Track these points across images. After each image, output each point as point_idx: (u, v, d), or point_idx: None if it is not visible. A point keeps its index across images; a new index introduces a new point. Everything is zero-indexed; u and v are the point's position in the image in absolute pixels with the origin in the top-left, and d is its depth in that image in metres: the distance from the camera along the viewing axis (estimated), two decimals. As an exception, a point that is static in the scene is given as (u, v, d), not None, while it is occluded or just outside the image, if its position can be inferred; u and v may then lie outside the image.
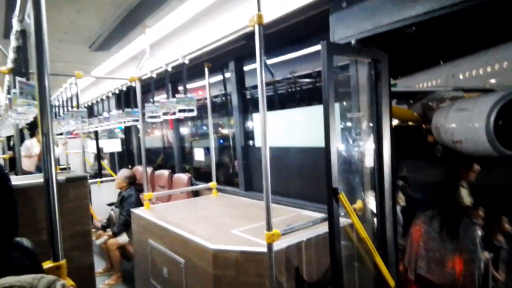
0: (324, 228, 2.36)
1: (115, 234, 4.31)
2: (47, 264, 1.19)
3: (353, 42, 2.23)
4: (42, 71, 1.31)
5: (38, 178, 1.28)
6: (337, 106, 2.55)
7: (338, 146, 2.27)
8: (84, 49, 4.31)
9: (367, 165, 2.49)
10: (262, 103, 1.94)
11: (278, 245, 2.12)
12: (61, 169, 8.33)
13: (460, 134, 8.33)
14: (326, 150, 2.03)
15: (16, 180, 2.74)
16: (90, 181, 5.76)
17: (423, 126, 13.37)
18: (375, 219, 2.53)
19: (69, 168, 7.88)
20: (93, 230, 4.89)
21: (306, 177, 3.23)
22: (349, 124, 2.53)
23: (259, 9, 1.91)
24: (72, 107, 4.49)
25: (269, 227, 2.00)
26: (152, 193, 3.65)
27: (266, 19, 1.98)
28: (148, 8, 3.04)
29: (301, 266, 2.28)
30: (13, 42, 2.06)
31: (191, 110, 3.09)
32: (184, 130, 5.67)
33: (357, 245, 2.44)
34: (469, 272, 2.35)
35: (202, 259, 2.36)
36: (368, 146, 2.46)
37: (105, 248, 4.44)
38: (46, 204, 1.21)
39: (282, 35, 2.88)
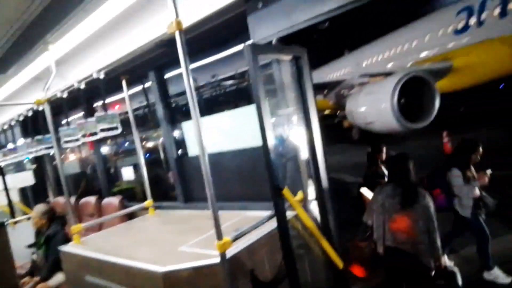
0: (271, 225, 2.39)
1: (44, 279, 3.79)
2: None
3: (274, 41, 2.29)
4: None
5: None
6: (266, 104, 2.60)
7: (273, 142, 2.31)
8: (-29, 73, 3.70)
9: (302, 157, 2.58)
10: (194, 110, 1.87)
11: (230, 252, 2.08)
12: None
13: (371, 116, 9.20)
14: (264, 149, 2.04)
15: None
16: None
17: (338, 113, 14.50)
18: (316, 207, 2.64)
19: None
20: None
21: (245, 177, 3.22)
22: (280, 120, 2.59)
23: (177, 15, 1.84)
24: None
25: (219, 236, 1.94)
26: (80, 225, 3.29)
27: (184, 24, 1.91)
28: (48, 22, 2.71)
29: (255, 267, 2.27)
30: None
31: (115, 128, 2.85)
32: (104, 150, 5.26)
33: (304, 234, 2.53)
34: (425, 239, 2.60)
35: (152, 285, 2.20)
36: (300, 138, 2.55)
37: (34, 296, 3.88)
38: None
39: (202, 39, 2.82)
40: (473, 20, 9.59)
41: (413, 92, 8.86)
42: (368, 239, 3.13)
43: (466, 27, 9.86)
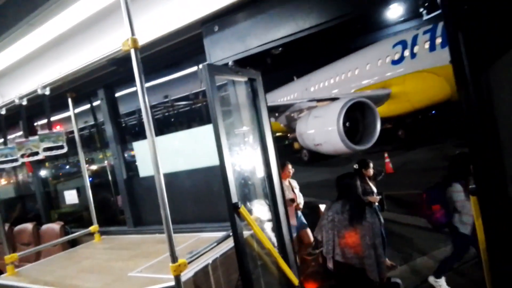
0: (227, 245, 2.37)
1: None
2: None
3: (230, 63, 2.36)
4: None
5: None
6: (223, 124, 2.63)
7: (231, 162, 2.33)
8: None
9: (258, 175, 2.63)
10: (149, 129, 1.84)
11: (185, 275, 2.02)
12: None
13: (319, 138, 9.65)
14: (221, 167, 2.05)
15: None
16: None
17: (289, 135, 15.00)
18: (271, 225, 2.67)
19: None
20: None
21: (199, 198, 3.18)
22: (235, 140, 2.63)
23: (133, 33, 1.83)
24: None
25: (174, 259, 1.88)
26: (15, 254, 2.98)
27: (139, 43, 1.91)
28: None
29: (211, 288, 2.23)
30: None
31: (61, 147, 2.67)
32: (44, 173, 4.88)
33: (260, 253, 2.53)
34: (372, 254, 2.72)
35: (99, 315, 2.06)
36: (256, 157, 2.60)
37: None
38: None
39: (157, 58, 2.81)
40: (407, 53, 10.66)
41: (357, 116, 9.51)
42: (315, 254, 3.22)
43: (401, 58, 10.92)
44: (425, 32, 9.87)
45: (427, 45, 9.87)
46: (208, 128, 2.31)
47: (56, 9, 2.24)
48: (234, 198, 2.07)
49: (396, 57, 11.07)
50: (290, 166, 4.42)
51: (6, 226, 4.28)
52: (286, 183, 4.25)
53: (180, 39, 2.53)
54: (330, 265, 2.92)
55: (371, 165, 4.10)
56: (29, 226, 4.12)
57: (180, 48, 2.66)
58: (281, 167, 4.18)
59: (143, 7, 2.37)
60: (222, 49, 2.36)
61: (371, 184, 4.06)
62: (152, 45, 2.53)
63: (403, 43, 10.75)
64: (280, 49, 2.26)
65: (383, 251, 2.90)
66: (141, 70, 1.83)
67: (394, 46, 11.14)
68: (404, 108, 11.36)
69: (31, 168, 4.29)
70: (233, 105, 2.62)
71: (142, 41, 2.40)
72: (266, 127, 2.52)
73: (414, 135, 13.37)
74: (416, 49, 10.31)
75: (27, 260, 3.76)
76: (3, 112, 2.80)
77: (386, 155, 9.69)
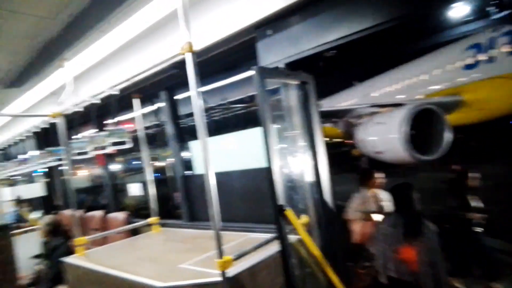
0: (274, 247, 2.38)
1: None
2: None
3: (281, 66, 2.38)
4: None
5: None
6: (273, 127, 2.65)
7: (279, 164, 2.34)
8: (-11, 85, 3.87)
9: (307, 180, 2.60)
10: (201, 129, 1.93)
11: (231, 272, 2.07)
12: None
13: (380, 145, 9.16)
14: (268, 170, 2.08)
15: None
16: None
17: (348, 141, 14.49)
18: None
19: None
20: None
21: (250, 199, 3.24)
22: (285, 143, 2.63)
23: (189, 38, 1.95)
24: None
25: (220, 255, 1.95)
26: (85, 238, 3.32)
27: (197, 47, 2.02)
28: (66, 40, 2.88)
29: (256, 289, 2.25)
30: None
31: (124, 143, 2.93)
32: (114, 168, 5.34)
33: (307, 259, 2.50)
34: (429, 271, 2.55)
35: (152, 300, 2.19)
36: (305, 162, 2.57)
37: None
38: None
39: (213, 62, 2.94)
40: (483, 57, 9.68)
41: (425, 124, 8.88)
42: (368, 267, 3.07)
43: (476, 63, 9.95)
44: (503, 34, 8.87)
45: (506, 49, 8.85)
46: (259, 130, 2.35)
47: (123, 16, 2.47)
48: (281, 201, 2.08)
49: (470, 61, 10.11)
50: (378, 174, 3.76)
51: (79, 213, 4.80)
52: (369, 194, 3.68)
53: (235, 44, 2.62)
54: (383, 279, 2.78)
55: (475, 175, 3.51)
56: (98, 213, 4.55)
57: (235, 52, 2.75)
58: (365, 174, 3.81)
59: (201, 13, 2.50)
60: (274, 52, 2.39)
61: (473, 198, 3.52)
62: (208, 49, 2.66)
63: (478, 47, 9.76)
64: (333, 52, 2.22)
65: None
66: (196, 73, 1.94)
67: (467, 49, 10.19)
68: (478, 116, 10.32)
69: (102, 161, 4.75)
70: (284, 108, 2.63)
71: (199, 45, 2.54)
72: (317, 131, 2.48)
73: (490, 147, 12.06)
74: (494, 53, 9.31)
75: (95, 244, 4.17)
76: (80, 109, 3.16)
77: (455, 168, 8.86)
